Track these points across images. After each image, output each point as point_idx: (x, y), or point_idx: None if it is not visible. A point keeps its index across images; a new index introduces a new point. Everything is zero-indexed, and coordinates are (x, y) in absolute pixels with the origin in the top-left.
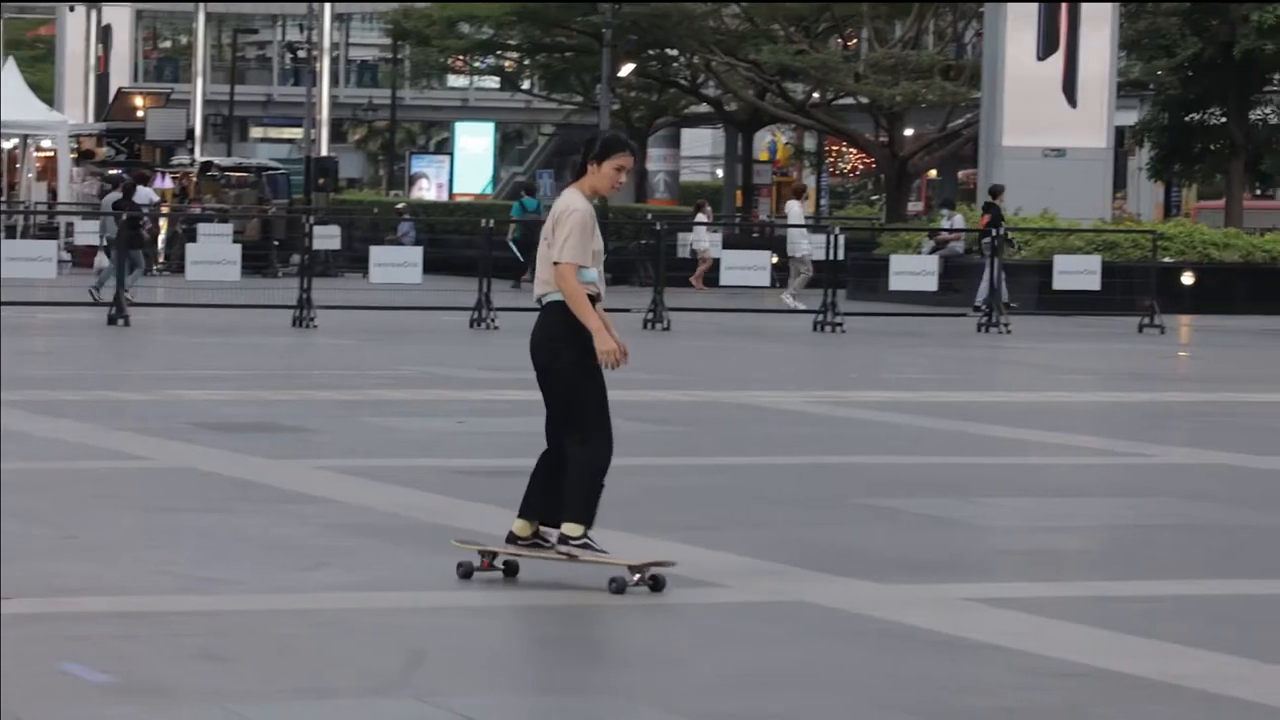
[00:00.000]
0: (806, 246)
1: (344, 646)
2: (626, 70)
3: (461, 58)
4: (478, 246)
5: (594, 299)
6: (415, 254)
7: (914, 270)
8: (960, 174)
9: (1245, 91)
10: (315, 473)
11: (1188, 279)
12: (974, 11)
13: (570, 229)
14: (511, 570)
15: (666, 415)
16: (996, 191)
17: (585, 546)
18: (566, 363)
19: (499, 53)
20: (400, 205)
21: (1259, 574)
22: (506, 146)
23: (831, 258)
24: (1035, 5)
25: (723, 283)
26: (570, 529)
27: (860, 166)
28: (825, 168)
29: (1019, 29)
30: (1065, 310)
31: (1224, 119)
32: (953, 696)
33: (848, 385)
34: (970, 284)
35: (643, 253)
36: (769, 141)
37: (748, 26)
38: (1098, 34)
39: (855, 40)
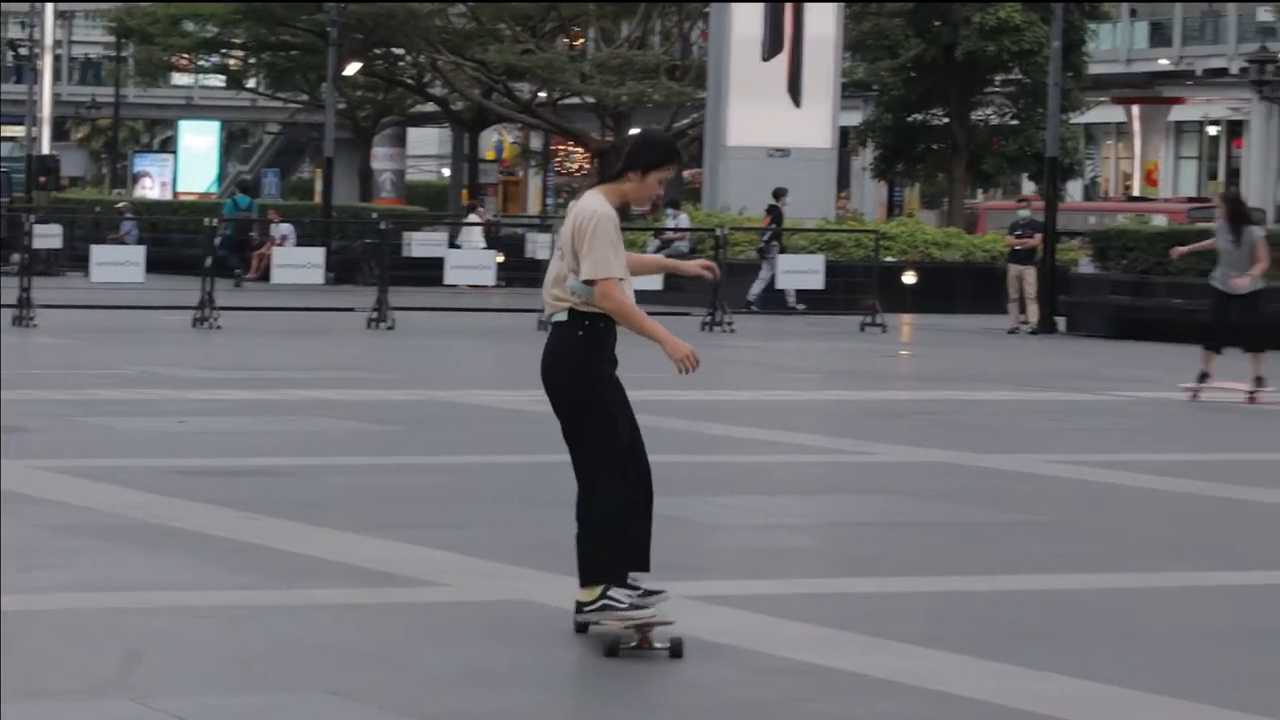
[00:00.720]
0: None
1: (61, 647)
2: (352, 69)
3: (186, 56)
4: (201, 245)
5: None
6: (138, 253)
7: None
8: (686, 174)
9: (967, 92)
10: (34, 473)
11: (909, 278)
12: (699, 12)
13: (598, 240)
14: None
15: (389, 415)
16: (780, 194)
17: (605, 608)
18: (571, 388)
19: (224, 51)
20: (121, 204)
21: (978, 571)
22: (232, 145)
23: None
24: (760, 6)
25: (448, 281)
26: (582, 594)
27: (586, 166)
28: (551, 167)
29: (744, 29)
30: (782, 309)
31: (946, 119)
32: (674, 693)
33: None
34: (692, 283)
35: (368, 252)
36: (495, 141)
37: (474, 26)
38: (822, 35)
39: (581, 40)
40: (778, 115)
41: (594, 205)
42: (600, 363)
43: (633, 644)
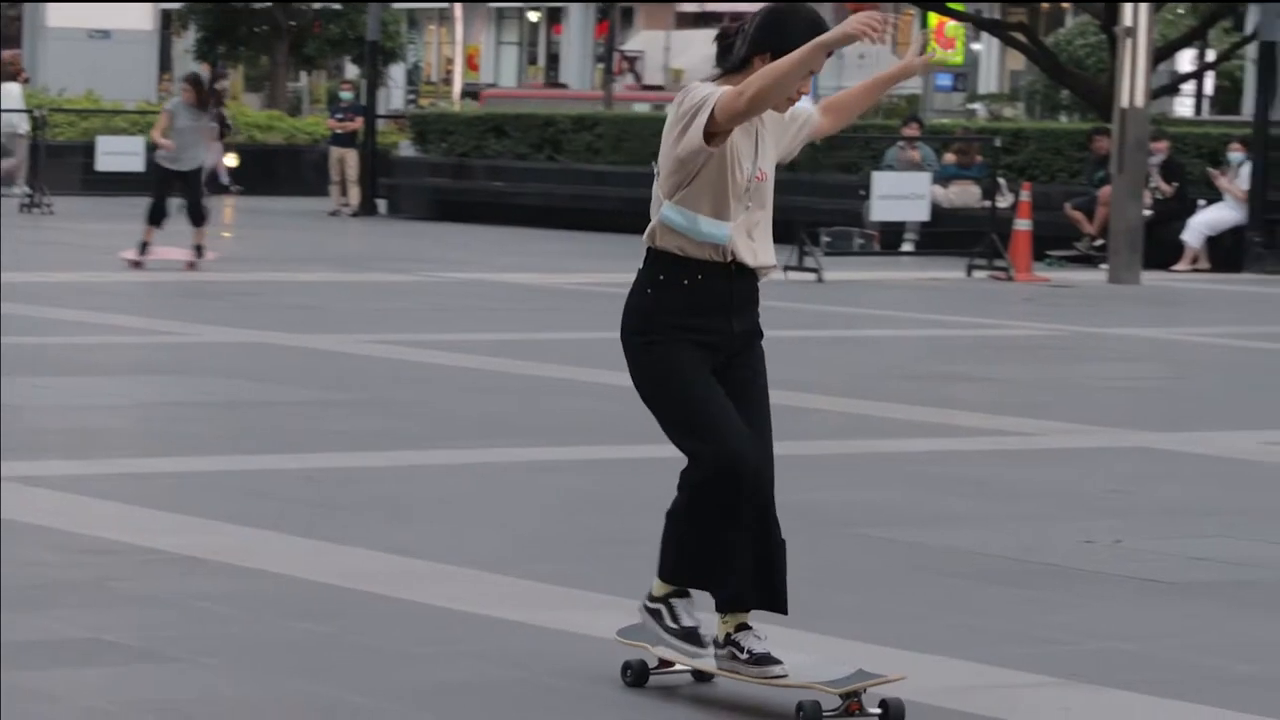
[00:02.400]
0: (24, 127)
1: None
2: None
3: None
4: None
5: (716, 267)
6: None
7: None
8: (5, 54)
9: None
10: None
11: (231, 161)
12: None
13: (695, 106)
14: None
15: None
16: (219, 76)
17: (656, 614)
18: (635, 349)
19: None
20: None
21: (290, 449)
22: None
23: None
24: None
25: None
26: (655, 585)
27: None
28: None
29: None
30: (109, 191)
31: (269, 2)
32: None
33: None
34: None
35: None
36: None
37: None
38: None
39: None
40: None
41: (696, 87)
42: (664, 324)
43: (841, 708)
